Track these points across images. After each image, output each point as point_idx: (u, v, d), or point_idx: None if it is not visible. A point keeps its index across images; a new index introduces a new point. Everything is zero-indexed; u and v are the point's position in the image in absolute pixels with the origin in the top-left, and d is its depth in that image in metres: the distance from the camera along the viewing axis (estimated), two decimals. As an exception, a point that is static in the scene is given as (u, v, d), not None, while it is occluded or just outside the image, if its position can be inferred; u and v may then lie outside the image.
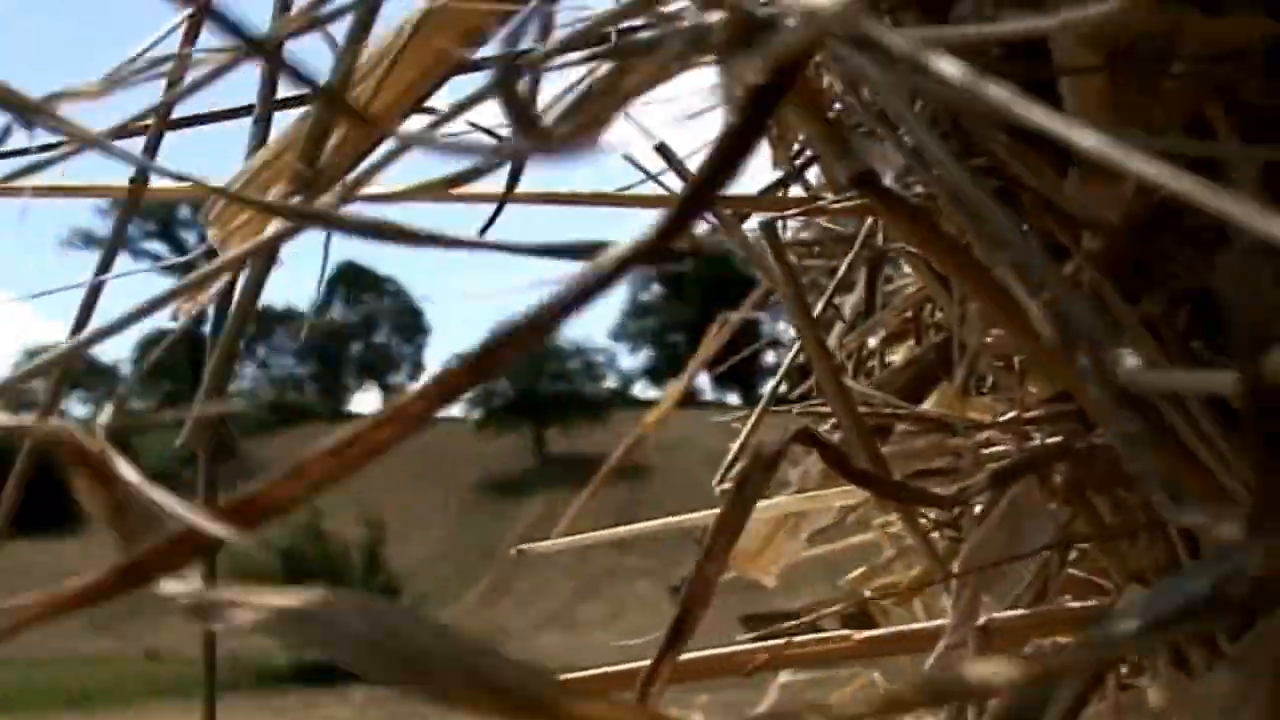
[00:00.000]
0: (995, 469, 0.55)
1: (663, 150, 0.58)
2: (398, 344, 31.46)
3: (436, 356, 33.66)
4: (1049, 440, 0.57)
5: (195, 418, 0.47)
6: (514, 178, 0.44)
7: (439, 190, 0.44)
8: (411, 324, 30.77)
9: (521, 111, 0.28)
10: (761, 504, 0.59)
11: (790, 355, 0.74)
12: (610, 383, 30.13)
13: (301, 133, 0.46)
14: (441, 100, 0.47)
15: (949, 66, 0.20)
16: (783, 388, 0.76)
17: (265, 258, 0.45)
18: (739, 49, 0.23)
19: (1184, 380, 0.36)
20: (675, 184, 0.59)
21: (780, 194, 0.71)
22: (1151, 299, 0.45)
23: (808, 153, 0.70)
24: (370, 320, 30.75)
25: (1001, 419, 0.63)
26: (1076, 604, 0.61)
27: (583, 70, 0.31)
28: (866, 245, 0.74)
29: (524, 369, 26.66)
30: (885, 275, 0.78)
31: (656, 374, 30.26)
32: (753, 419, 0.72)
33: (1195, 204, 0.17)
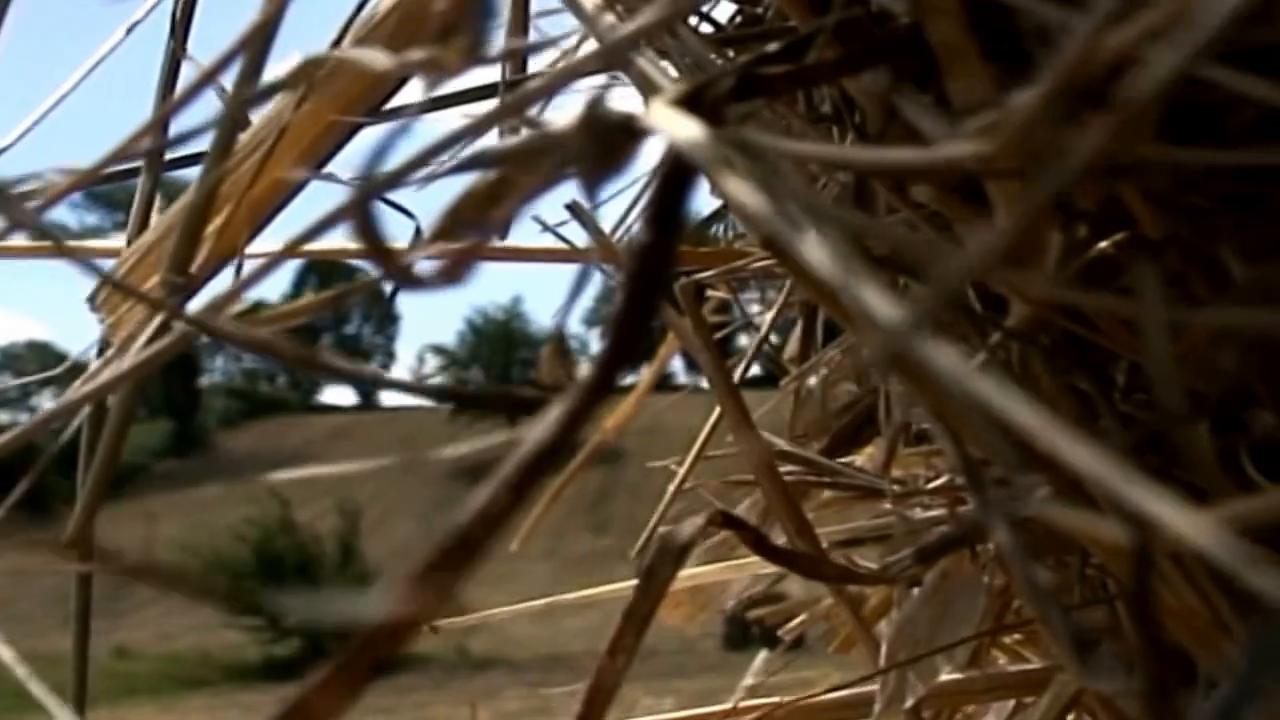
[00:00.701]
0: (923, 545, 0.53)
1: (574, 209, 0.57)
2: (369, 334, 31.40)
3: (408, 346, 33.49)
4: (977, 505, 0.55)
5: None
6: (387, 303, 0.43)
7: (322, 305, 0.43)
8: (383, 313, 30.73)
9: (378, 247, 0.26)
10: (682, 573, 0.58)
11: (754, 346, 0.73)
12: (584, 369, 30.01)
13: (181, 221, 0.44)
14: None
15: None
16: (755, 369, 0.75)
17: (133, 384, 0.43)
18: (599, 156, 0.23)
19: (1083, 522, 0.33)
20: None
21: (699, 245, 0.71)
22: (1082, 372, 0.43)
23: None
24: (341, 310, 30.53)
25: (930, 485, 0.61)
26: (1014, 668, 0.61)
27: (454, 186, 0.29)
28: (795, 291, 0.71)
29: (496, 357, 26.59)
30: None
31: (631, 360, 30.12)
32: (684, 470, 0.70)
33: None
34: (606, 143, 0.24)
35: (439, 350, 25.58)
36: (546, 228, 0.59)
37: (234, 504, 16.39)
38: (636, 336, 0.21)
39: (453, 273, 0.26)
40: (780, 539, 0.54)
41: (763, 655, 0.77)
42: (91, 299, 0.47)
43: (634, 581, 0.38)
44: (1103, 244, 0.36)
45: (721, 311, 0.88)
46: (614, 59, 0.29)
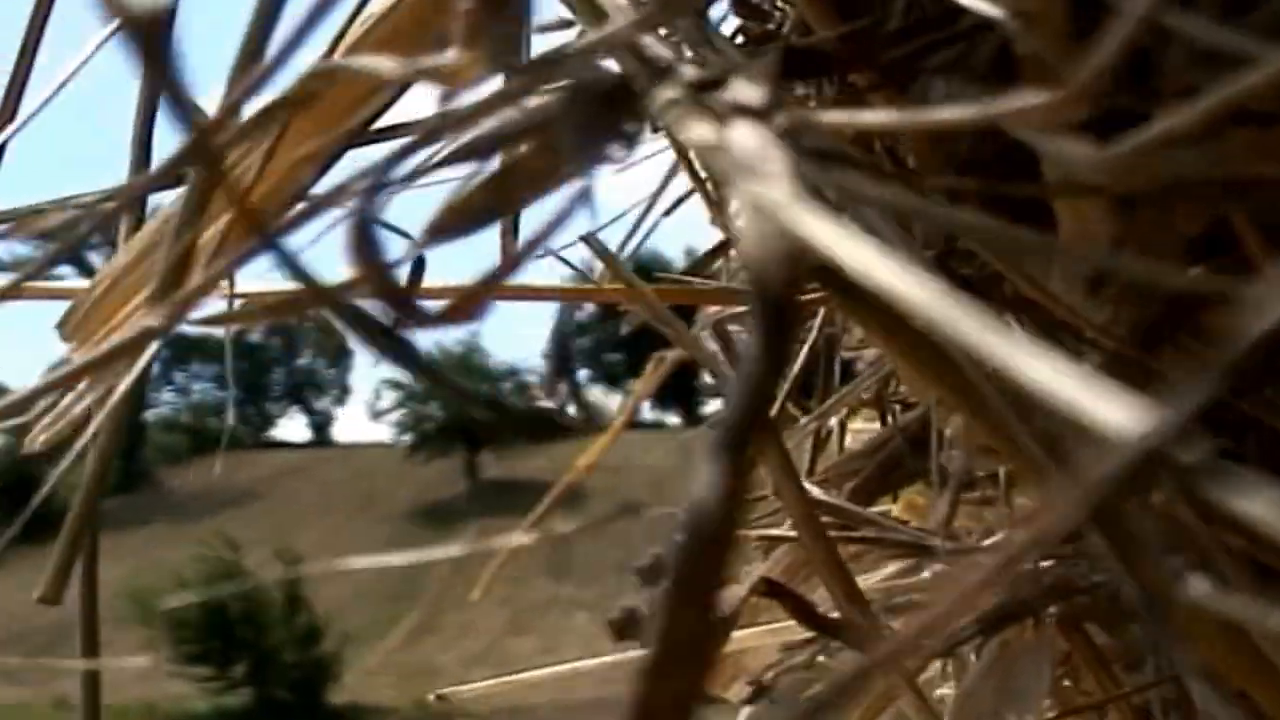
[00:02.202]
0: (985, 615, 0.51)
1: (589, 241, 0.53)
2: (323, 366, 31.26)
3: (361, 379, 33.51)
4: (1043, 570, 0.52)
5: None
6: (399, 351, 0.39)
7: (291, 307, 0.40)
8: (335, 346, 30.66)
9: (382, 283, 0.23)
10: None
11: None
12: (545, 404, 30.11)
13: (167, 233, 0.40)
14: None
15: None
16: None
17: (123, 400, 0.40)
18: (593, 130, 0.21)
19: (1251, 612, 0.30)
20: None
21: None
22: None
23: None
24: (292, 343, 30.50)
25: (986, 543, 0.58)
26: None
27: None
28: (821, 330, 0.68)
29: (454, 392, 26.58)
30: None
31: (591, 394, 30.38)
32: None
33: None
34: (599, 114, 0.22)
35: (395, 385, 25.52)
36: (563, 261, 0.56)
37: (180, 544, 16.26)
38: (771, 388, 0.18)
39: (463, 312, 0.24)
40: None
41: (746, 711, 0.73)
42: (61, 325, 0.44)
43: (630, 652, 0.35)
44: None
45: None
46: (619, 41, 0.26)
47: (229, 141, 0.31)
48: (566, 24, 0.44)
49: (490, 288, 0.24)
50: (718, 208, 0.65)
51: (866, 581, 0.58)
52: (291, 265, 0.24)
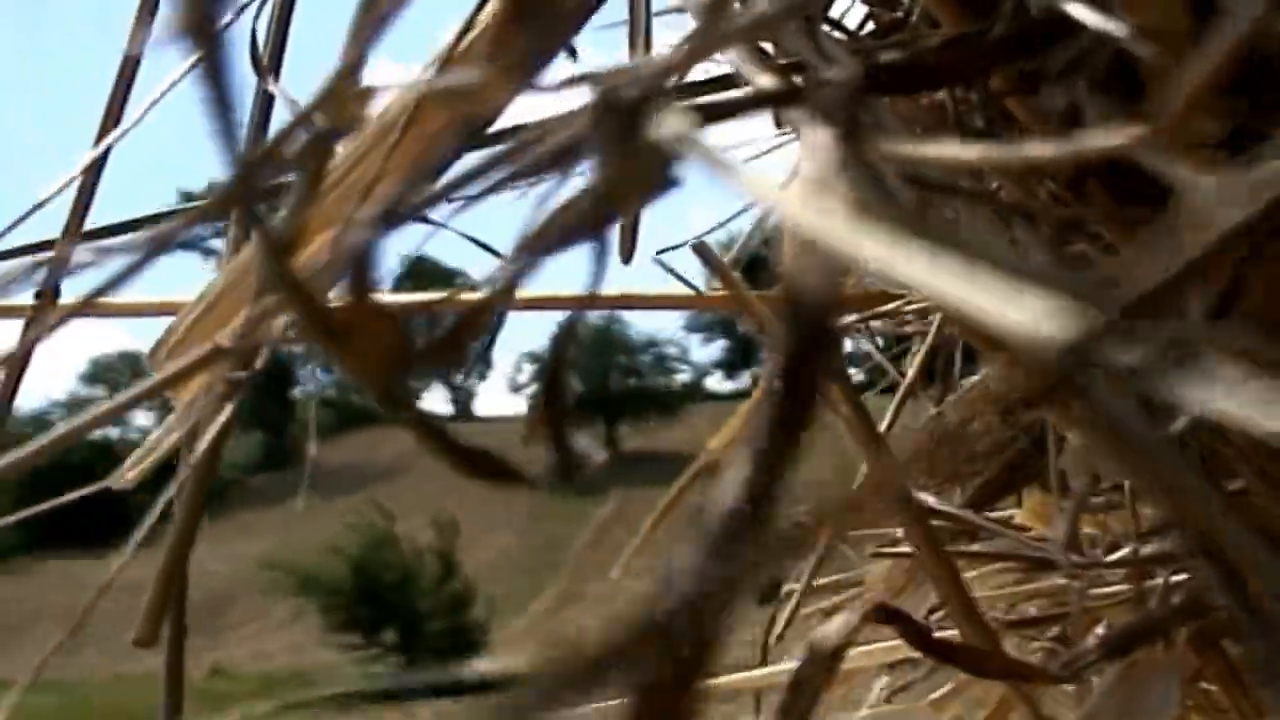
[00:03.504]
0: (1113, 635, 0.48)
1: (699, 251, 0.53)
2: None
3: (503, 353, 33.85)
4: (1172, 584, 0.50)
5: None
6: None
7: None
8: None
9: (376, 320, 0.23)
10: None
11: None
12: (683, 376, 30.12)
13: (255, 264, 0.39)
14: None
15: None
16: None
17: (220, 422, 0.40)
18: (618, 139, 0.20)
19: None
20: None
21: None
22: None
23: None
24: (435, 317, 30.64)
25: (1112, 558, 0.55)
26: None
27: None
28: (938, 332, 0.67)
29: (594, 364, 26.74)
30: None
31: (730, 365, 30.23)
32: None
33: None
34: (627, 135, 0.21)
35: (535, 357, 25.68)
36: (671, 272, 0.55)
37: (328, 518, 16.59)
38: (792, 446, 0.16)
39: (452, 354, 0.23)
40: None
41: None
42: (152, 355, 0.43)
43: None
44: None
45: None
46: (713, 48, 0.25)
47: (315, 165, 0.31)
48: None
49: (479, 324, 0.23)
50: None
51: (984, 587, 0.57)
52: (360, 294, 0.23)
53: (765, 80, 0.26)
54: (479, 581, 17.56)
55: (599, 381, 27.07)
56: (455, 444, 0.22)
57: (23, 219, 0.41)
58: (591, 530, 21.83)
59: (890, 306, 0.59)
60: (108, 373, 27.54)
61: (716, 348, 30.17)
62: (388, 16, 0.29)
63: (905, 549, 0.57)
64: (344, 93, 0.29)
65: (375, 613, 16.84)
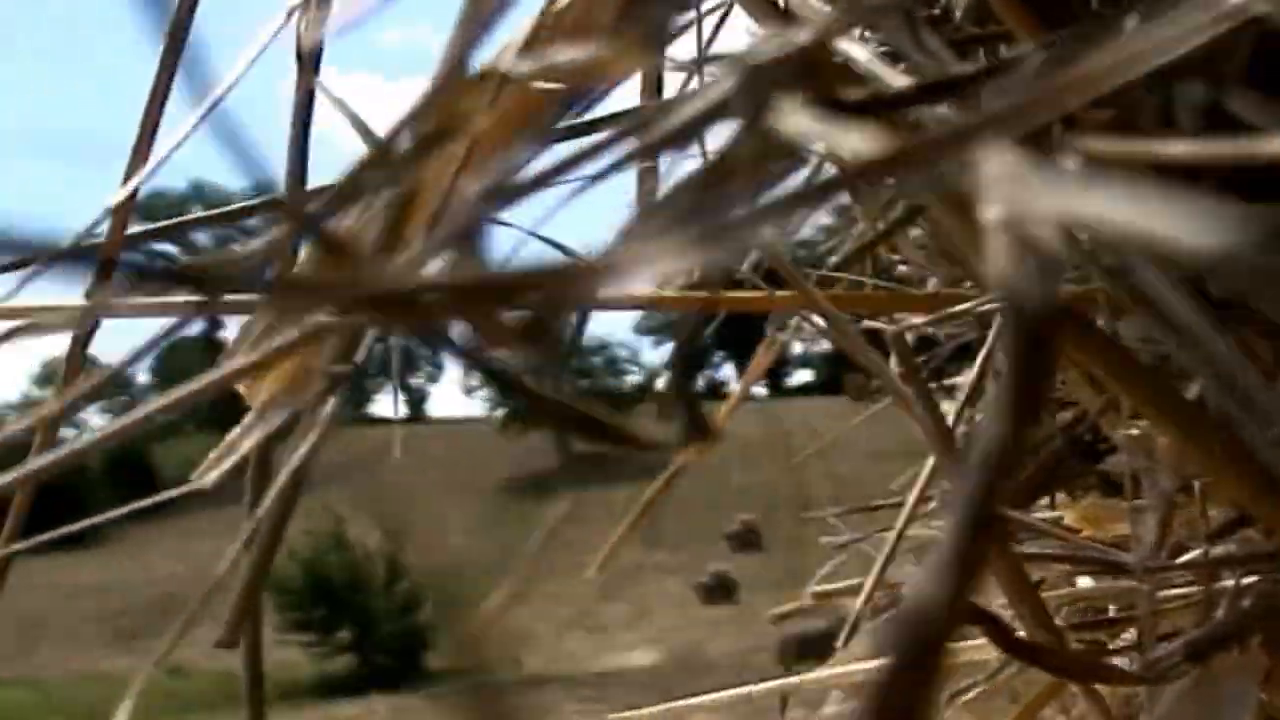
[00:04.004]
0: (1197, 639, 0.47)
1: (771, 252, 0.50)
2: (416, 343, 31.31)
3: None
4: (1244, 586, 0.49)
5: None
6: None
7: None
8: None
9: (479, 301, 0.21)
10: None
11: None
12: (634, 378, 30.12)
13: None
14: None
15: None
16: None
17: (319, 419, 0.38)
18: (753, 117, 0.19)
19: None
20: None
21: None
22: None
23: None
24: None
25: (1182, 560, 0.54)
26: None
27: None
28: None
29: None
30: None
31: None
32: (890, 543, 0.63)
33: None
34: (762, 114, 0.20)
35: (483, 362, 25.51)
36: (731, 272, 0.53)
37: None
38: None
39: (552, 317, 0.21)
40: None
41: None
42: (232, 348, 0.40)
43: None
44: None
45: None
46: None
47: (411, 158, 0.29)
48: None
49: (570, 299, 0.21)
50: (942, 226, 0.61)
51: (1048, 593, 0.57)
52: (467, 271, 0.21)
53: (894, 74, 0.26)
54: (430, 583, 17.43)
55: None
56: (580, 413, 0.22)
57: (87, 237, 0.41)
58: (542, 531, 21.75)
59: (962, 307, 0.58)
60: (56, 375, 27.10)
61: (667, 350, 30.07)
62: (493, 17, 0.28)
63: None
64: (451, 92, 0.28)
65: (329, 612, 16.77)
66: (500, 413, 26.62)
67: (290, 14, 0.40)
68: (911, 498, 0.62)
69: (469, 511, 23.49)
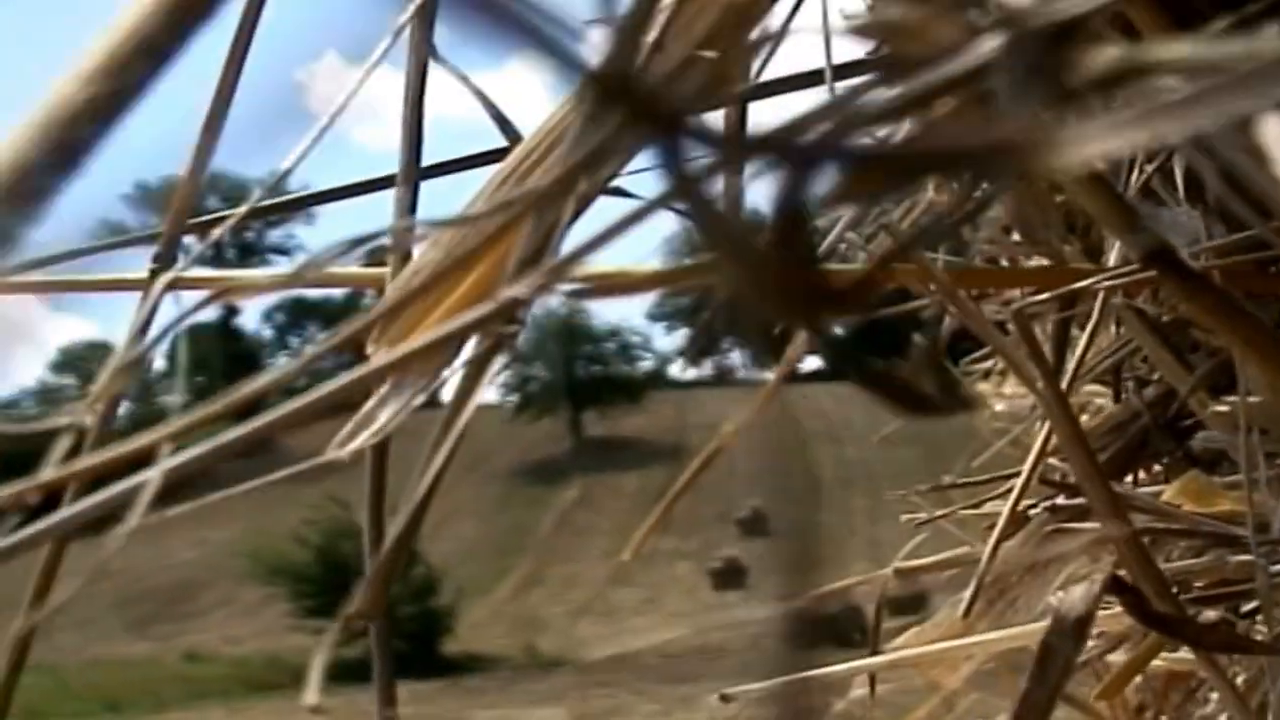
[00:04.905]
0: None
1: (890, 229, 0.51)
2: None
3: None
4: None
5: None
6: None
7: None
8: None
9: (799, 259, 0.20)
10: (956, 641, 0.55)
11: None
12: (647, 364, 30.05)
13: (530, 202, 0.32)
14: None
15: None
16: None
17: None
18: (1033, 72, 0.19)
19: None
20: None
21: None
22: None
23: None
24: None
25: None
26: None
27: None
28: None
29: (559, 353, 26.66)
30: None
31: (693, 353, 30.08)
32: (997, 535, 0.61)
33: None
34: (1042, 66, 0.19)
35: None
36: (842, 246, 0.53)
37: (296, 505, 16.50)
38: None
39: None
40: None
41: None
42: (366, 332, 0.37)
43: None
44: None
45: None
46: None
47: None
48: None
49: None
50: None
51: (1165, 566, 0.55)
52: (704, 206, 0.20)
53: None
54: (446, 568, 17.49)
55: (564, 370, 27.01)
56: (886, 378, 0.21)
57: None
58: (555, 516, 21.78)
59: (1084, 283, 0.57)
60: (78, 362, 27.25)
61: (679, 336, 30.13)
62: None
63: (1090, 525, 0.57)
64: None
65: (343, 599, 16.81)
66: (512, 398, 26.65)
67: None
68: (1026, 469, 0.61)
69: (481, 496, 23.53)
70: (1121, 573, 0.43)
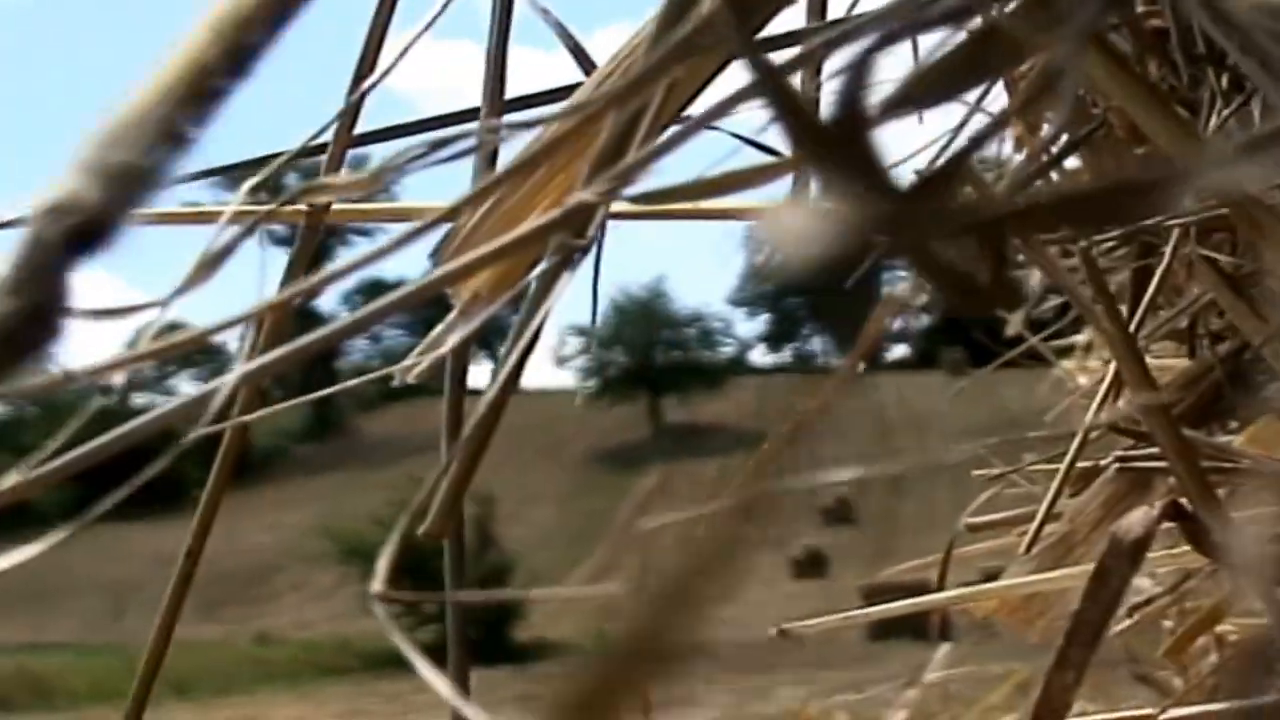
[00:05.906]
0: None
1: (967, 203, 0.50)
2: (506, 313, 31.40)
3: (548, 324, 33.80)
4: None
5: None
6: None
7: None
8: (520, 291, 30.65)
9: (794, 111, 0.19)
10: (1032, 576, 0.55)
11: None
12: (727, 350, 29.95)
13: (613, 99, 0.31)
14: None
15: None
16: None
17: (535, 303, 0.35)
18: None
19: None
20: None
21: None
22: None
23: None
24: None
25: None
26: None
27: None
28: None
29: (639, 337, 26.64)
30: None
31: (774, 339, 30.05)
32: (1060, 474, 0.62)
33: None
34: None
35: (580, 331, 25.43)
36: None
37: (370, 489, 16.68)
38: None
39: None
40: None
41: (945, 648, 0.72)
42: (435, 252, 0.38)
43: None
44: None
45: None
46: None
47: None
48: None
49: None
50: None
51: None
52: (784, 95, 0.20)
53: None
54: (521, 553, 17.62)
55: (643, 355, 26.98)
56: (942, 261, 0.20)
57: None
58: (633, 503, 21.84)
59: (1152, 220, 0.57)
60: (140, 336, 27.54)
61: (760, 322, 30.06)
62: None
63: (1156, 463, 0.57)
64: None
65: (417, 583, 16.98)
66: (591, 384, 26.66)
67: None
68: (1091, 408, 0.62)
69: (558, 482, 23.66)
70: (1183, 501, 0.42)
